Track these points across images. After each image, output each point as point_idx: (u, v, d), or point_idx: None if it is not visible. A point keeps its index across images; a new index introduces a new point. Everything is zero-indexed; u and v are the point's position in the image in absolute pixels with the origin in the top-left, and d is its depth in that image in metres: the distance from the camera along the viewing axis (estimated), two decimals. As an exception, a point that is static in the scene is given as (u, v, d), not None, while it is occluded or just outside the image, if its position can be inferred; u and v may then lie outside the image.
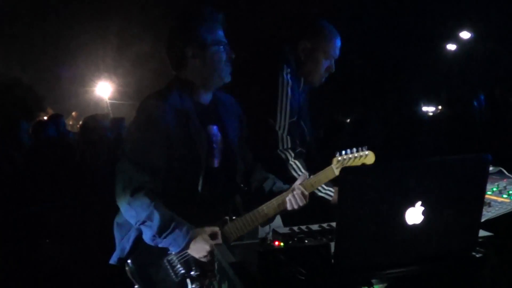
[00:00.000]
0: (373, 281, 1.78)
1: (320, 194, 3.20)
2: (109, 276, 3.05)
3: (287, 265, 1.72)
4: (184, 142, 2.73)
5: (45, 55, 20.93)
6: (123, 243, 2.78)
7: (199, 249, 2.61)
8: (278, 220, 2.99)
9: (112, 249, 2.85)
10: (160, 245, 2.65)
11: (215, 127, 2.89)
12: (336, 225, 1.76)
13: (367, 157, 2.90)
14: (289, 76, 3.28)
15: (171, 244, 2.64)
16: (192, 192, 2.76)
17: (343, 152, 2.89)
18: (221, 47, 2.82)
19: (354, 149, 2.89)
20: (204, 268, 2.64)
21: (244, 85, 3.32)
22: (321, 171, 2.91)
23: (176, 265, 2.67)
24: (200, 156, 2.76)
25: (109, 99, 23.49)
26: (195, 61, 2.81)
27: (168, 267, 2.68)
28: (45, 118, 10.14)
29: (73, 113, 18.46)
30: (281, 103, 3.25)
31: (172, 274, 2.66)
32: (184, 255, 2.66)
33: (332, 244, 1.77)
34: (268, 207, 2.81)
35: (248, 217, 2.80)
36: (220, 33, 2.85)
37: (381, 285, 1.80)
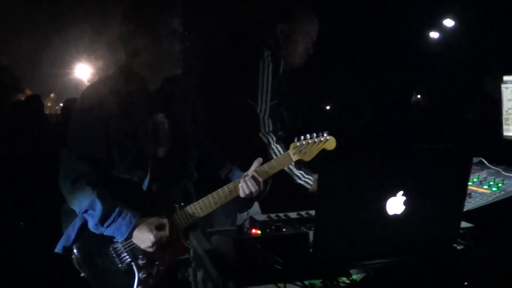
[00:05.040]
0: (352, 271, 1.74)
1: (299, 181, 3.16)
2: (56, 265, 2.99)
3: (263, 253, 1.68)
4: (126, 133, 2.67)
5: (23, 36, 20.63)
6: (68, 231, 2.70)
7: (143, 240, 2.57)
8: (256, 207, 2.94)
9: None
10: (104, 233, 2.60)
11: (161, 115, 2.80)
12: (315, 213, 1.72)
13: (327, 142, 2.79)
14: (269, 58, 3.23)
15: (115, 233, 2.59)
16: (139, 182, 2.69)
17: (302, 137, 2.79)
18: (175, 38, 2.74)
19: (314, 134, 2.78)
20: (151, 257, 2.60)
21: (224, 68, 3.28)
22: (277, 157, 2.87)
23: (122, 253, 2.61)
24: (144, 147, 2.69)
25: (88, 81, 23.26)
26: (145, 53, 2.73)
27: (114, 255, 2.62)
28: (22, 99, 10.02)
29: (52, 95, 18.30)
30: (262, 85, 3.20)
31: (118, 262, 2.61)
32: (130, 243, 2.61)
33: (311, 233, 1.73)
34: (218, 193, 2.73)
35: (198, 204, 2.72)
36: (175, 23, 2.75)
37: (359, 275, 1.77)
